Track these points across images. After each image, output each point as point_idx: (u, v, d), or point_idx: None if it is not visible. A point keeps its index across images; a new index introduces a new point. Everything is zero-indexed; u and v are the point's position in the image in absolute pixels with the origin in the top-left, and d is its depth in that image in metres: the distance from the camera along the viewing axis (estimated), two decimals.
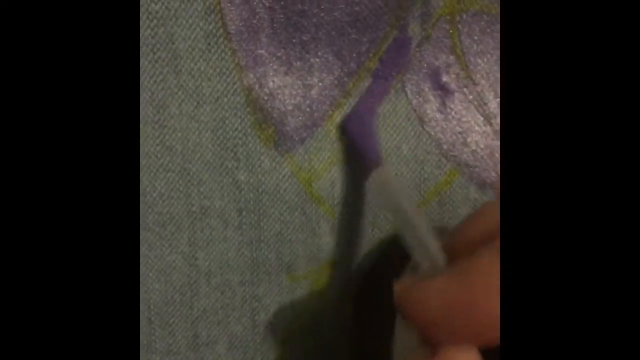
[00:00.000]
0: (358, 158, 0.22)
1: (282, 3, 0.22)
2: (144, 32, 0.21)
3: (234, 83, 0.22)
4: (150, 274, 0.23)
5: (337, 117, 0.23)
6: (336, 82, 0.23)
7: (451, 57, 0.23)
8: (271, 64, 0.22)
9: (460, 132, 0.24)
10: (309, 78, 0.22)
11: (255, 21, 0.21)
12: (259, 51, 0.22)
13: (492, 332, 0.16)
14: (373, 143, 0.22)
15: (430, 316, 0.17)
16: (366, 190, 0.24)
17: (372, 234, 0.24)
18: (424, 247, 0.19)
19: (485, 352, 0.17)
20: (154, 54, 0.21)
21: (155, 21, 0.21)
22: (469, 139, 0.24)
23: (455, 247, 0.19)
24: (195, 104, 0.22)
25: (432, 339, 0.18)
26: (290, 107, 0.22)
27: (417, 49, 0.23)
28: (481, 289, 0.16)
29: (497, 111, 0.23)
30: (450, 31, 0.23)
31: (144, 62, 0.21)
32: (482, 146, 0.24)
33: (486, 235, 0.18)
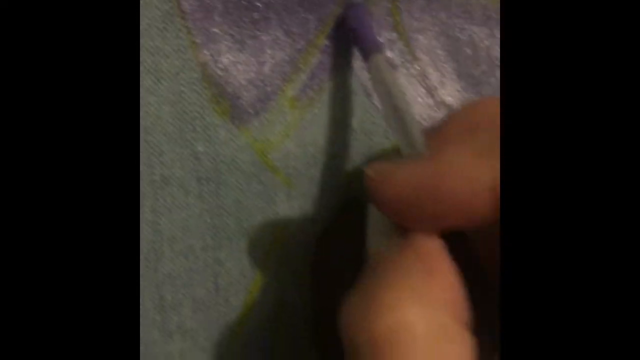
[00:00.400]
0: (359, 44, 0.23)
1: None
2: None
3: (190, 60, 0.23)
4: None
5: (289, 91, 0.25)
6: (287, 58, 0.24)
7: (394, 34, 0.25)
8: (225, 42, 0.24)
9: None
10: (261, 55, 0.24)
11: (208, 1, 0.23)
12: (213, 29, 0.23)
13: (457, 218, 0.18)
14: (371, 31, 0.23)
15: (399, 200, 0.18)
16: (317, 160, 0.25)
17: (325, 202, 0.26)
18: (408, 134, 0.20)
19: (449, 238, 0.19)
20: None
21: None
22: (412, 111, 0.25)
23: (439, 135, 0.20)
24: (154, 79, 0.23)
25: (401, 223, 0.19)
26: (244, 82, 0.24)
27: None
28: (447, 174, 0.18)
29: (438, 84, 0.25)
30: (392, 9, 0.24)
31: None
32: (425, 117, 0.25)
33: (458, 129, 0.19)
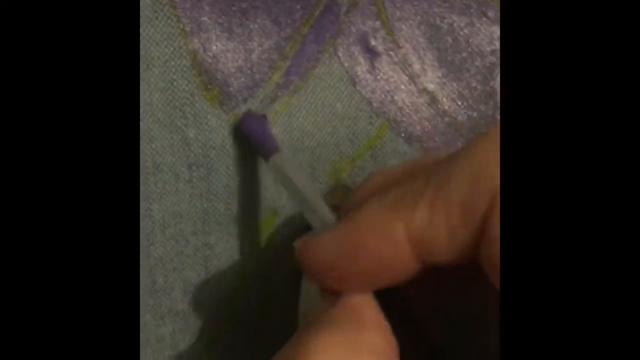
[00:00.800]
0: (258, 150, 0.25)
1: None
2: None
3: (180, 47, 0.24)
4: None
5: (276, 78, 0.25)
6: (274, 46, 0.25)
7: (377, 22, 0.26)
8: (214, 30, 0.24)
9: (388, 91, 0.26)
10: (249, 43, 0.25)
11: None
12: (202, 18, 0.24)
13: (380, 272, 0.19)
14: (268, 136, 0.25)
15: (325, 265, 0.19)
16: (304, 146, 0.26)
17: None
18: (318, 215, 0.22)
19: (380, 294, 0.20)
20: None
21: None
22: (396, 97, 0.26)
23: (345, 207, 0.21)
24: (145, 66, 0.24)
25: (330, 287, 0.20)
26: (233, 70, 0.25)
27: (347, 15, 0.25)
28: (363, 233, 0.18)
29: (420, 71, 0.26)
30: None
31: None
32: (407, 103, 0.26)
33: (370, 191, 0.20)
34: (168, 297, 0.27)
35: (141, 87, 0.24)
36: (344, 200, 0.22)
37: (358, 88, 0.26)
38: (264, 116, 0.25)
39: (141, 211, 0.25)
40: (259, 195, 0.26)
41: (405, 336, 0.19)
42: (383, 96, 0.26)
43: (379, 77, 0.26)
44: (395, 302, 0.20)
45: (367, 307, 0.19)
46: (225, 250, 0.26)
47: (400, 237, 0.18)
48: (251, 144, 0.25)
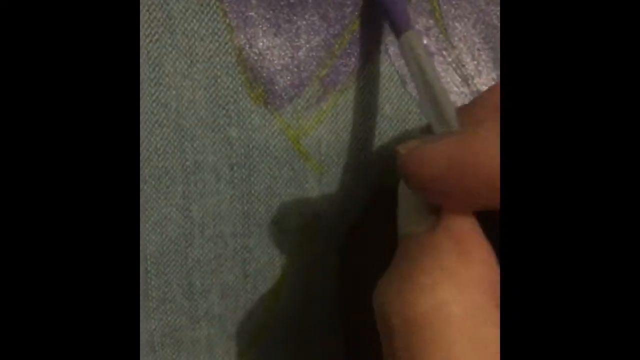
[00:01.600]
0: (390, 21, 0.23)
1: None
2: None
3: (226, 43, 0.23)
4: (147, 226, 0.25)
5: (324, 77, 0.24)
6: (322, 43, 0.24)
7: (431, 20, 0.24)
8: (260, 26, 0.23)
9: None
10: (296, 39, 0.24)
11: None
12: (249, 13, 0.23)
13: (490, 194, 0.17)
14: (403, 8, 0.22)
15: (432, 176, 0.18)
16: (350, 147, 0.25)
17: (357, 190, 0.26)
18: (441, 110, 0.20)
19: (481, 218, 0.18)
20: (150, 14, 0.22)
21: None
22: (445, 88, 0.25)
23: (470, 115, 0.19)
24: (189, 62, 0.23)
25: (433, 201, 0.18)
26: (279, 67, 0.24)
27: None
28: (482, 152, 0.17)
29: (474, 73, 0.25)
30: None
31: (140, 22, 0.22)
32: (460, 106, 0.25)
33: (494, 109, 0.18)
34: (205, 300, 0.26)
35: (184, 84, 0.23)
36: (459, 111, 0.20)
37: (408, 89, 0.25)
38: None
39: (180, 211, 0.25)
40: (301, 199, 0.25)
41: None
42: None
43: None
44: (493, 226, 0.18)
45: (471, 235, 0.18)
46: (264, 253, 0.26)
47: None
48: (382, 11, 0.22)
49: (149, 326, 0.26)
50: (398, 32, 0.22)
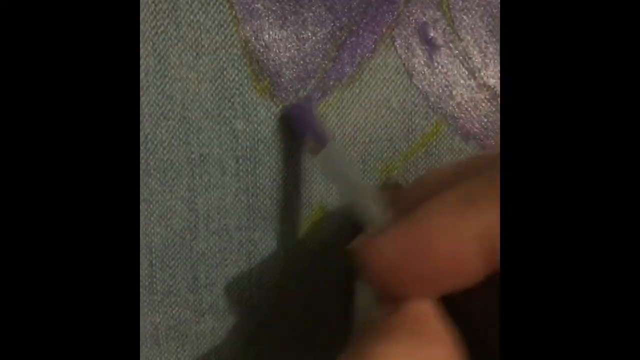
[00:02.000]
0: (305, 141, 0.23)
1: None
2: None
3: (232, 35, 0.23)
4: (152, 218, 0.24)
5: (330, 69, 0.24)
6: (329, 35, 0.24)
7: (438, 12, 0.24)
8: (267, 18, 0.23)
9: (446, 85, 0.25)
10: (303, 32, 0.24)
11: None
12: (255, 5, 0.23)
13: (449, 274, 0.17)
14: (316, 127, 0.23)
15: (387, 267, 0.17)
16: (356, 141, 0.25)
17: (362, 182, 0.25)
18: (370, 213, 0.20)
19: (445, 302, 0.18)
20: (155, 5, 0.22)
21: None
22: (454, 92, 0.25)
23: (402, 207, 0.19)
24: (194, 54, 0.23)
25: (390, 293, 0.18)
26: (285, 60, 0.24)
27: (406, 5, 0.24)
28: (436, 233, 0.17)
29: (481, 65, 0.25)
30: None
31: (145, 14, 0.22)
32: (466, 99, 0.25)
33: (438, 183, 0.18)
34: (209, 294, 0.26)
35: (190, 77, 0.23)
36: (398, 198, 0.20)
37: (415, 82, 0.25)
38: (311, 105, 0.24)
39: (185, 204, 0.24)
40: (306, 191, 0.25)
41: (464, 343, 0.18)
42: (441, 91, 0.25)
43: (437, 70, 0.25)
44: (455, 309, 0.19)
45: (430, 317, 0.17)
46: (269, 246, 0.25)
47: (472, 237, 0.17)
48: (297, 135, 0.24)
49: (154, 319, 0.26)
50: (315, 149, 0.23)
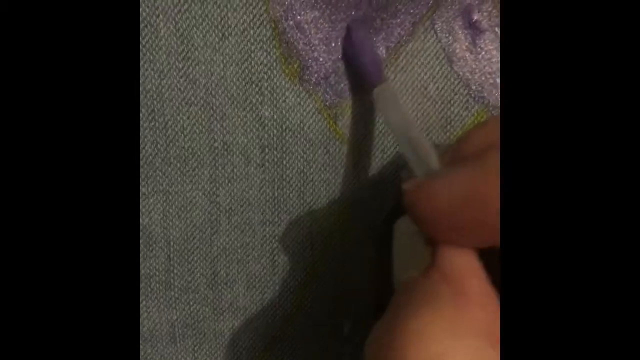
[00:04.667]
0: (362, 77, 0.22)
1: None
2: None
3: (261, 15, 0.21)
4: (171, 210, 0.23)
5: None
6: (363, 17, 0.22)
7: None
8: None
9: (489, 73, 0.23)
10: (336, 12, 0.22)
11: None
12: None
13: (497, 230, 0.16)
14: (374, 61, 0.22)
15: (444, 211, 0.17)
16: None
17: (396, 177, 0.24)
18: (422, 159, 0.20)
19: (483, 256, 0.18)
20: None
21: None
22: (498, 80, 0.23)
23: (460, 152, 0.18)
24: (220, 35, 0.21)
25: (438, 238, 0.18)
26: (316, 42, 0.22)
27: None
28: (493, 186, 0.16)
29: None
30: None
31: None
32: None
33: (493, 141, 0.17)
34: (230, 291, 0.24)
35: (215, 59, 0.21)
36: (455, 144, 0.19)
37: (455, 68, 0.23)
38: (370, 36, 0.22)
39: (206, 196, 0.23)
40: (336, 185, 0.23)
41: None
42: (483, 78, 0.23)
43: (480, 56, 0.23)
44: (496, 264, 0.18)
45: (469, 276, 0.17)
46: (295, 243, 0.24)
47: None
48: (355, 61, 0.22)
49: (171, 316, 0.24)
50: (371, 85, 0.21)
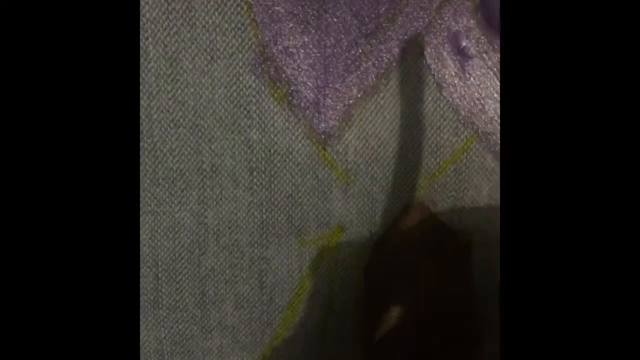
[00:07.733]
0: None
1: None
2: None
3: (249, 39, 0.21)
4: (159, 230, 0.23)
5: (353, 78, 0.22)
6: (353, 42, 0.22)
7: (471, 21, 0.22)
8: (287, 22, 0.21)
9: (478, 99, 0.23)
10: (325, 38, 0.22)
11: None
12: (276, 7, 0.21)
13: None
14: None
15: None
16: (379, 156, 0.23)
17: (385, 203, 0.24)
18: None
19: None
20: (169, 4, 0.21)
21: None
22: (487, 106, 0.23)
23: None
24: (208, 58, 0.21)
25: None
26: (305, 67, 0.22)
27: (438, 11, 0.22)
28: None
29: None
30: None
31: (157, 14, 0.21)
32: (498, 113, 0.23)
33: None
34: (218, 310, 0.24)
35: (203, 82, 0.22)
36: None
37: (444, 94, 0.23)
38: None
39: (195, 217, 0.23)
40: (325, 209, 0.24)
41: None
42: (472, 104, 0.23)
43: (469, 82, 0.23)
44: None
45: None
46: (282, 265, 0.24)
47: None
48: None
49: (158, 334, 0.24)
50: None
